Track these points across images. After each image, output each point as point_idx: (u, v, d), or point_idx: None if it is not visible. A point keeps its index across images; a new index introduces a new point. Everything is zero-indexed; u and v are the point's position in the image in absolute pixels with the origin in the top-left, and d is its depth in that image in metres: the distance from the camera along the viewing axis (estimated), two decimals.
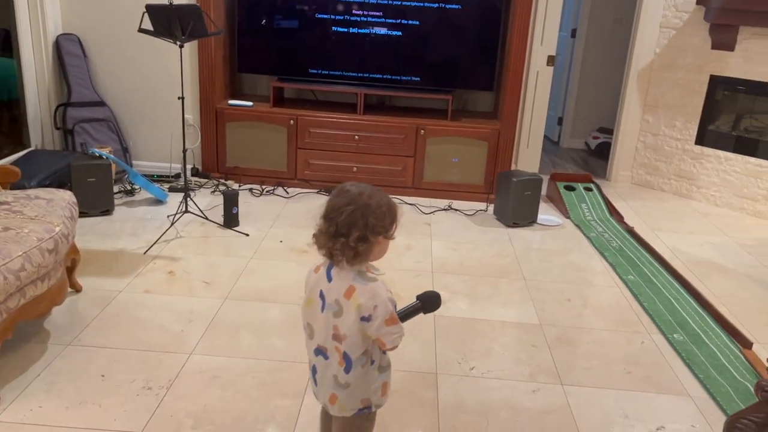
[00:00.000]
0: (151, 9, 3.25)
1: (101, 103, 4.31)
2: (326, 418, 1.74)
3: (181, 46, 3.34)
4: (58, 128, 4.26)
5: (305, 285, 1.61)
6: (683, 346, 2.68)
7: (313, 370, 1.62)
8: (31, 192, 2.57)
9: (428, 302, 1.64)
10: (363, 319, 1.47)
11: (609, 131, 5.74)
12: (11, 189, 2.69)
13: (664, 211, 4.52)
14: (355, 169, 4.38)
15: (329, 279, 1.54)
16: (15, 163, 3.65)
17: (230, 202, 3.61)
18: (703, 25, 4.56)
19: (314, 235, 1.52)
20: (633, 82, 4.92)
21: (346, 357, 1.52)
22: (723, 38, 4.47)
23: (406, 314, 1.60)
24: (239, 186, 4.35)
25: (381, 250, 1.52)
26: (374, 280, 1.51)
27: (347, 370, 1.53)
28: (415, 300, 1.63)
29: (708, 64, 4.59)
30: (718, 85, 4.59)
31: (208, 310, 2.72)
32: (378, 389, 1.60)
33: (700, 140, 4.72)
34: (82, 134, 4.21)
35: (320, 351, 1.57)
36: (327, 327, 1.54)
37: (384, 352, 1.59)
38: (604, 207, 4.33)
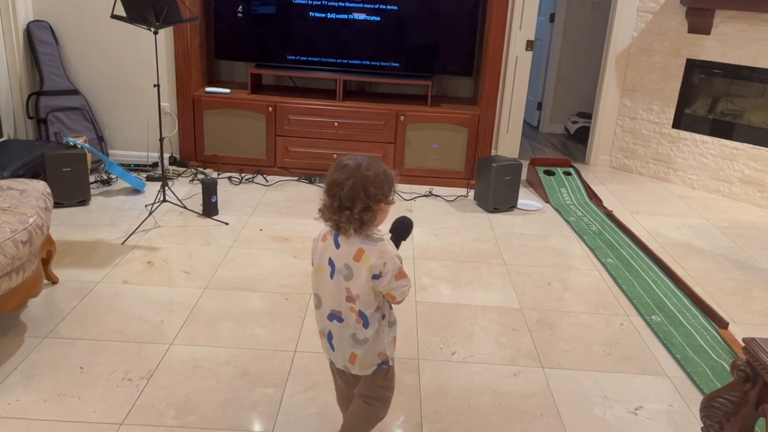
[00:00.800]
0: None
1: (75, 92, 4.23)
2: (345, 389, 1.82)
3: (155, 33, 3.28)
4: (30, 117, 4.17)
5: (312, 253, 1.70)
6: (661, 327, 2.72)
7: (329, 336, 1.69)
8: (4, 183, 2.52)
9: (400, 231, 1.68)
10: (374, 277, 1.57)
11: (588, 116, 5.77)
12: None
13: (642, 195, 4.56)
14: (335, 156, 4.35)
15: (337, 246, 1.62)
16: None
17: (209, 190, 3.58)
18: (679, 9, 4.58)
19: (320, 210, 1.61)
20: (611, 66, 4.94)
21: (362, 315, 1.62)
22: (699, 22, 4.50)
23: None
24: (218, 175, 4.30)
25: (384, 215, 1.61)
26: (380, 239, 1.60)
27: (366, 325, 1.63)
28: (390, 237, 1.67)
29: (684, 48, 4.63)
30: (694, 68, 4.63)
31: (188, 300, 2.70)
32: (391, 343, 1.71)
33: (677, 124, 4.77)
34: (55, 123, 4.13)
35: (334, 315, 1.66)
36: (339, 291, 1.62)
37: (391, 307, 1.70)
38: (583, 191, 4.36)
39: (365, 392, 1.74)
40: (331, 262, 1.63)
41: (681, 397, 2.27)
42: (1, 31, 4.03)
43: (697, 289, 3.08)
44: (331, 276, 1.63)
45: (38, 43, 4.10)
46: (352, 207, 1.53)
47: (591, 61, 5.91)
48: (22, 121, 4.20)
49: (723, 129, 4.58)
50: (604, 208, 4.15)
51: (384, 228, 1.64)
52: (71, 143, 3.71)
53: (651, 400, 2.24)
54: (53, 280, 2.73)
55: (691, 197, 4.54)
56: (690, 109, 4.73)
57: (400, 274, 1.59)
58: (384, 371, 1.72)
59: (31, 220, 2.28)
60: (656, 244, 3.64)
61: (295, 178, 4.36)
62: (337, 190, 1.54)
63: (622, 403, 2.21)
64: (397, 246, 1.65)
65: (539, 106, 6.46)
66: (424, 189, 4.32)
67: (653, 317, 2.80)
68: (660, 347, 2.58)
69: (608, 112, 5.07)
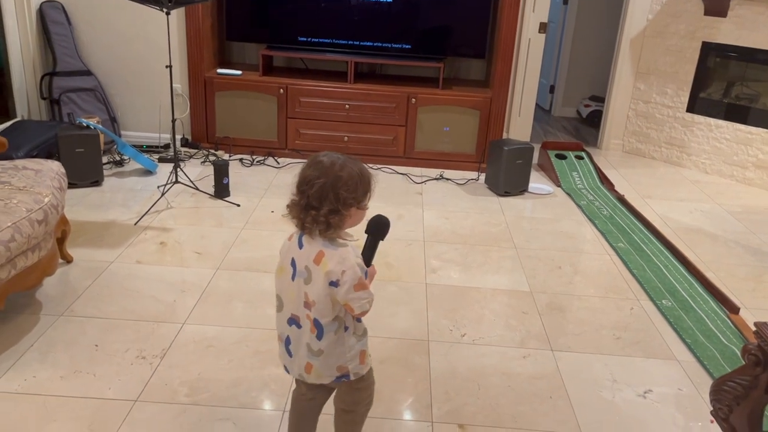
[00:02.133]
0: None
1: (88, 72, 4.24)
2: (303, 402, 1.70)
3: (167, 13, 3.28)
4: (44, 98, 4.19)
5: (279, 253, 1.60)
6: (671, 311, 2.72)
7: (287, 342, 1.60)
8: (19, 162, 2.54)
9: (376, 231, 1.57)
10: (331, 283, 1.46)
11: (601, 99, 5.72)
12: (1, 159, 2.65)
13: (654, 179, 4.54)
14: (346, 138, 4.35)
15: (300, 246, 1.52)
16: (2, 133, 3.60)
17: (221, 172, 3.59)
18: None
19: (288, 206, 1.51)
20: (625, 49, 4.89)
21: (316, 323, 1.51)
22: (715, 4, 4.44)
23: (367, 255, 1.55)
24: (229, 156, 4.32)
25: (354, 220, 1.51)
26: (344, 245, 1.50)
27: (319, 336, 1.52)
28: (366, 237, 1.57)
29: (700, 31, 4.57)
30: (710, 51, 4.57)
31: (200, 281, 2.73)
32: (356, 356, 1.58)
33: (691, 108, 4.72)
34: (68, 104, 4.15)
35: (293, 320, 1.56)
36: (298, 295, 1.53)
37: (358, 320, 1.58)
38: (595, 175, 4.34)
39: (341, 405, 1.67)
40: (293, 263, 1.53)
41: (690, 381, 2.27)
42: (14, 11, 4.04)
43: (709, 274, 3.07)
44: (293, 278, 1.53)
45: (51, 23, 4.11)
46: (319, 207, 1.44)
47: (604, 44, 5.84)
48: (35, 101, 4.22)
49: (738, 113, 4.53)
50: (616, 192, 4.13)
51: (361, 228, 1.56)
52: (84, 124, 3.73)
53: (660, 383, 2.25)
54: (68, 260, 2.76)
55: (704, 182, 4.51)
56: (705, 93, 4.67)
57: (360, 285, 1.47)
58: (345, 384, 1.61)
59: (46, 199, 2.31)
60: (668, 229, 3.62)
61: (306, 161, 4.35)
62: (307, 187, 1.45)
63: (631, 387, 2.22)
64: (374, 247, 1.55)
65: (551, 89, 6.41)
66: (434, 172, 4.32)
67: (664, 302, 2.80)
68: (670, 331, 2.58)
69: (621, 96, 5.02)
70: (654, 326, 2.61)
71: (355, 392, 1.65)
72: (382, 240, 1.58)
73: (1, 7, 3.97)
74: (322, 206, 1.44)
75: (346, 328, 1.55)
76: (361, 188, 1.47)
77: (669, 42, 4.73)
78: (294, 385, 1.73)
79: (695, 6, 4.55)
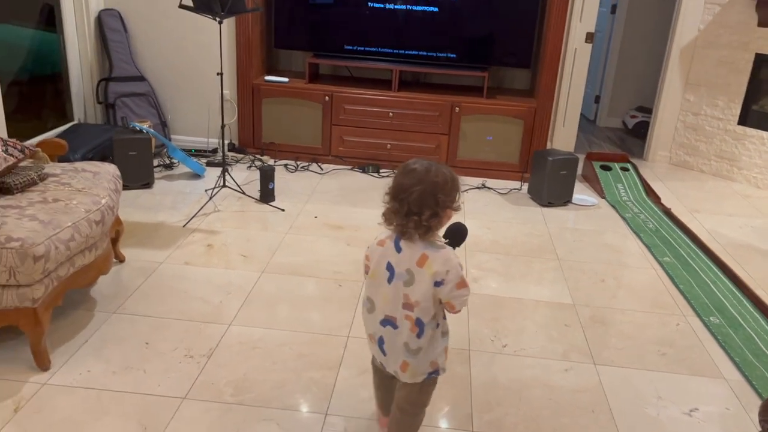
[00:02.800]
0: None
1: (141, 78, 4.39)
2: (387, 384, 1.84)
3: (220, 23, 3.38)
4: (100, 102, 4.35)
5: (367, 259, 1.68)
6: (719, 329, 2.66)
7: (380, 342, 1.68)
8: (78, 165, 2.65)
9: (455, 238, 1.68)
10: (437, 284, 1.56)
11: (647, 110, 5.63)
12: (59, 162, 2.77)
13: (703, 193, 4.44)
14: (389, 146, 4.39)
15: (398, 250, 1.60)
16: (60, 136, 3.75)
17: (267, 177, 3.67)
18: (749, 1, 4.41)
19: (384, 214, 1.60)
20: (675, 59, 4.80)
21: (419, 323, 1.61)
22: None
23: None
24: (275, 161, 4.40)
25: (447, 220, 1.60)
26: (443, 247, 1.60)
27: (419, 335, 1.62)
28: (443, 239, 1.68)
29: (754, 42, 4.46)
30: (763, 63, 4.46)
31: (245, 283, 2.79)
32: (443, 353, 1.70)
33: (743, 120, 4.60)
34: (122, 108, 4.30)
35: (388, 321, 1.65)
36: (396, 297, 1.61)
37: (444, 317, 1.69)
38: (640, 187, 4.27)
39: (409, 402, 1.73)
40: (389, 267, 1.61)
41: (738, 401, 2.22)
42: (74, 19, 4.22)
43: (759, 292, 2.99)
44: (389, 281, 1.61)
45: (108, 30, 4.27)
46: (420, 213, 1.53)
47: (652, 54, 5.75)
48: (92, 105, 4.39)
49: None
50: (662, 205, 4.06)
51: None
52: (137, 128, 3.85)
53: (707, 402, 2.21)
54: (120, 259, 2.86)
55: (755, 197, 4.39)
56: (757, 106, 4.56)
57: (462, 283, 1.58)
58: (433, 380, 1.72)
59: (103, 201, 2.40)
60: (716, 245, 3.54)
61: (349, 167, 4.42)
62: (405, 195, 1.53)
63: (677, 404, 2.18)
64: (454, 248, 1.65)
65: (597, 99, 6.34)
66: (477, 181, 4.32)
67: (711, 318, 2.74)
68: (718, 349, 2.53)
69: (670, 107, 4.94)
70: (701, 343, 2.56)
71: (424, 394, 1.74)
72: (458, 247, 1.68)
73: (62, 15, 4.14)
74: (423, 211, 1.53)
75: (437, 326, 1.65)
76: (454, 190, 1.57)
77: (721, 53, 4.63)
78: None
79: (748, 17, 4.45)
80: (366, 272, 1.69)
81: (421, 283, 1.57)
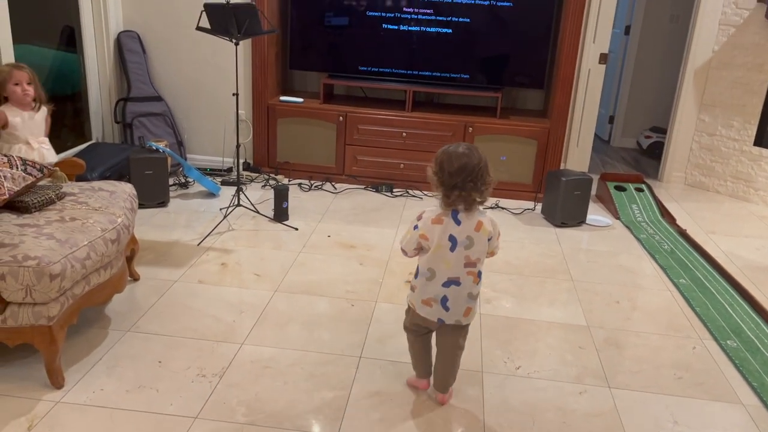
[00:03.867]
0: (209, 7, 3.34)
1: (158, 98, 4.46)
2: (427, 344, 2.23)
3: (236, 44, 3.43)
4: (117, 122, 4.42)
5: (425, 237, 2.03)
6: (737, 353, 2.62)
7: (443, 300, 2.06)
8: (95, 184, 2.69)
9: None
10: (489, 239, 2.04)
11: (662, 131, 5.61)
12: (77, 180, 2.81)
13: (719, 214, 4.40)
14: (402, 165, 4.40)
15: (458, 223, 2.00)
16: (78, 155, 3.81)
17: (280, 196, 3.69)
18: (764, 23, 4.41)
19: (446, 195, 1.97)
20: (689, 80, 4.80)
21: (479, 274, 2.08)
22: None
23: None
24: (289, 181, 4.43)
25: None
26: (485, 212, 2.05)
27: (479, 283, 2.09)
28: None
29: None
30: None
31: (258, 302, 2.80)
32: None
33: (759, 141, 4.55)
34: (140, 128, 4.36)
35: (451, 282, 2.04)
36: (458, 260, 2.02)
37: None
38: (655, 208, 4.25)
39: (462, 338, 2.15)
40: (452, 238, 2.00)
41: (756, 427, 2.18)
42: (93, 40, 4.30)
43: None
44: (452, 250, 2.00)
45: (127, 52, 4.35)
46: (481, 188, 1.96)
47: (666, 75, 5.75)
48: (109, 125, 4.46)
49: None
50: (678, 226, 4.02)
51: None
52: (154, 147, 3.90)
53: (724, 427, 2.17)
54: (135, 278, 2.88)
55: None
56: None
57: (499, 235, 2.09)
58: (465, 325, 2.14)
59: (119, 220, 2.43)
60: (733, 267, 3.50)
61: (362, 187, 4.43)
62: (470, 172, 1.93)
63: (693, 429, 2.15)
64: None
65: (611, 120, 6.33)
66: (490, 201, 4.30)
67: (729, 342, 2.70)
68: (735, 374, 2.49)
69: (685, 128, 4.92)
70: (718, 367, 2.52)
71: (466, 332, 2.17)
72: None
73: (83, 36, 4.23)
74: (481, 186, 1.96)
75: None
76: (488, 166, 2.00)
77: (736, 74, 4.61)
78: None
79: (763, 38, 4.44)
80: (420, 248, 2.06)
81: (480, 243, 2.02)
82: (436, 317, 2.08)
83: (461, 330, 2.14)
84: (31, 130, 2.93)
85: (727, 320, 2.88)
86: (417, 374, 2.26)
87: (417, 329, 2.17)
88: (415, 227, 2.05)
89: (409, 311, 2.17)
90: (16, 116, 2.88)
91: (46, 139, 3.03)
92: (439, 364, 2.18)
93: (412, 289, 2.14)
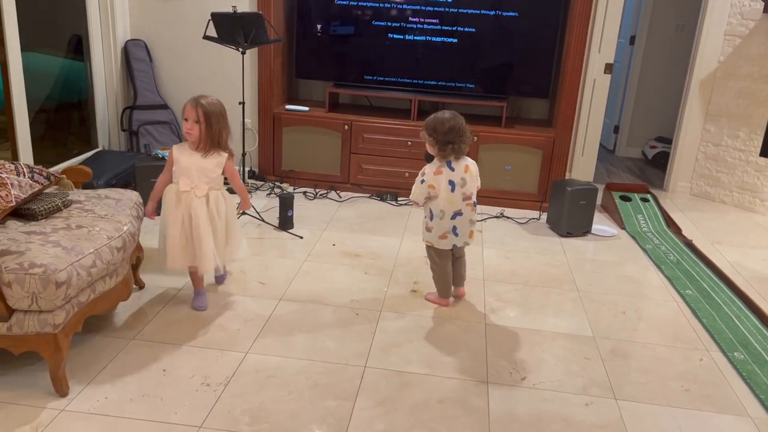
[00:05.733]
0: (216, 17, 3.36)
1: (165, 106, 4.48)
2: (450, 260, 2.91)
3: (243, 53, 3.44)
4: (124, 130, 4.44)
5: (433, 187, 2.70)
6: (744, 365, 2.60)
7: (454, 229, 2.76)
8: (102, 191, 2.70)
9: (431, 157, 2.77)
10: (475, 177, 2.78)
11: (667, 140, 5.61)
12: (83, 188, 2.82)
13: (725, 224, 4.38)
14: (407, 174, 4.41)
15: (452, 169, 2.71)
16: (84, 162, 3.83)
17: (286, 205, 3.69)
18: None
19: (442, 150, 2.67)
20: (695, 90, 4.79)
21: (475, 204, 2.81)
22: None
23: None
24: (294, 189, 4.44)
25: None
26: (466, 158, 2.77)
27: (475, 211, 2.82)
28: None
29: None
30: None
31: (263, 310, 2.79)
32: None
33: (765, 152, 4.54)
34: (146, 136, 4.37)
35: (457, 214, 2.75)
36: (458, 197, 2.72)
37: None
38: (661, 218, 4.23)
39: (463, 253, 2.95)
40: (450, 183, 2.69)
41: None
42: (101, 48, 4.33)
43: None
44: (453, 190, 2.70)
45: (134, 60, 4.37)
46: (467, 138, 2.70)
47: (672, 85, 5.74)
48: (116, 133, 4.48)
49: None
50: (684, 236, 4.01)
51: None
52: (159, 155, 3.91)
53: None
54: (140, 285, 2.89)
55: None
56: None
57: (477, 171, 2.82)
58: None
59: (125, 228, 2.44)
60: (740, 278, 3.48)
61: (367, 195, 4.43)
62: (459, 131, 2.66)
63: None
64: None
65: (616, 129, 6.32)
66: (495, 210, 4.31)
67: (736, 354, 2.68)
68: (742, 386, 2.47)
69: (690, 138, 4.91)
70: (725, 379, 2.51)
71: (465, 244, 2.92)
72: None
73: (90, 44, 4.26)
74: (466, 140, 2.70)
75: None
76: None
77: (741, 84, 4.61)
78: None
79: None
80: (429, 197, 2.72)
81: (470, 181, 2.74)
82: (451, 245, 2.80)
83: (464, 247, 2.91)
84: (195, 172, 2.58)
85: (734, 332, 2.86)
86: (444, 295, 2.90)
87: (445, 255, 2.83)
88: (422, 181, 2.70)
89: (430, 248, 2.84)
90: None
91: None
92: (455, 272, 2.92)
93: (429, 229, 2.79)
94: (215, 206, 2.60)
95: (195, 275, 2.74)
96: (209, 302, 2.81)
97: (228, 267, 3.12)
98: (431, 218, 2.76)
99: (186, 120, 2.52)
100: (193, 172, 2.56)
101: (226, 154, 2.61)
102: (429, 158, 2.76)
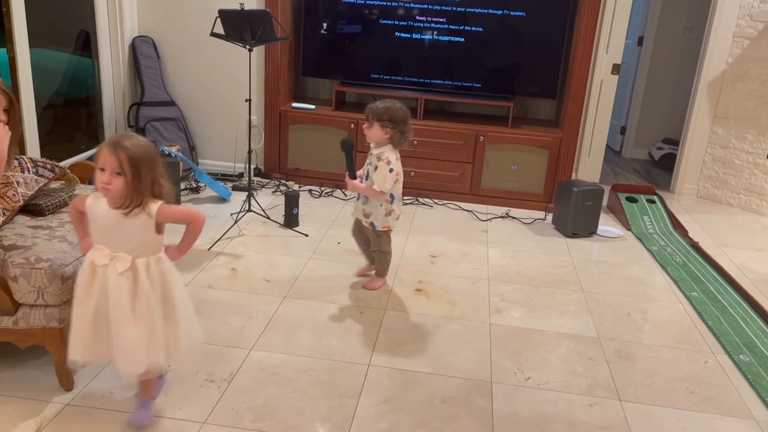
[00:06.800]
0: (223, 14, 3.36)
1: (171, 103, 4.48)
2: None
3: (250, 50, 3.45)
4: (131, 126, 4.45)
5: (398, 174, 2.80)
6: (749, 367, 2.59)
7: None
8: None
9: (344, 146, 2.86)
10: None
11: (674, 142, 5.59)
12: (89, 184, 2.83)
13: (731, 227, 4.36)
14: (412, 173, 4.40)
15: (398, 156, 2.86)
16: (91, 158, 3.84)
17: (291, 202, 3.70)
18: None
19: (404, 138, 2.78)
20: (702, 92, 4.77)
21: None
22: None
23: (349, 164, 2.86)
24: (299, 187, 4.44)
25: None
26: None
27: None
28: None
29: None
30: None
31: (268, 308, 2.80)
32: None
33: None
34: (152, 132, 4.38)
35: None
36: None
37: None
38: (667, 220, 4.22)
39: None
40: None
41: None
42: (109, 45, 4.34)
43: None
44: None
45: (141, 57, 4.38)
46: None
47: (679, 86, 5.72)
48: (123, 129, 4.49)
49: None
50: (690, 238, 3.99)
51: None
52: (166, 152, 3.92)
53: None
54: None
55: None
56: None
57: None
58: None
59: None
60: (746, 280, 3.47)
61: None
62: (408, 121, 2.76)
63: None
64: (346, 155, 2.87)
65: (623, 131, 6.30)
66: (500, 210, 4.30)
67: (741, 356, 2.67)
68: (747, 388, 2.46)
69: (697, 140, 4.89)
70: (730, 382, 2.49)
71: None
72: (345, 151, 2.86)
73: (98, 40, 4.27)
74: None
75: None
76: None
77: (750, 87, 4.59)
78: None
79: None
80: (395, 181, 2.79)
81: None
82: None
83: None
84: None
85: (740, 334, 2.85)
86: (386, 273, 3.05)
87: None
88: (391, 170, 2.74)
89: (386, 233, 2.92)
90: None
91: None
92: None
93: (390, 213, 2.85)
94: (146, 280, 1.86)
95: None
96: (212, 301, 2.82)
97: (234, 265, 3.13)
98: (393, 202, 2.83)
99: (102, 170, 1.75)
100: (112, 237, 1.83)
101: (157, 205, 1.82)
102: (347, 147, 2.81)
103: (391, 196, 2.81)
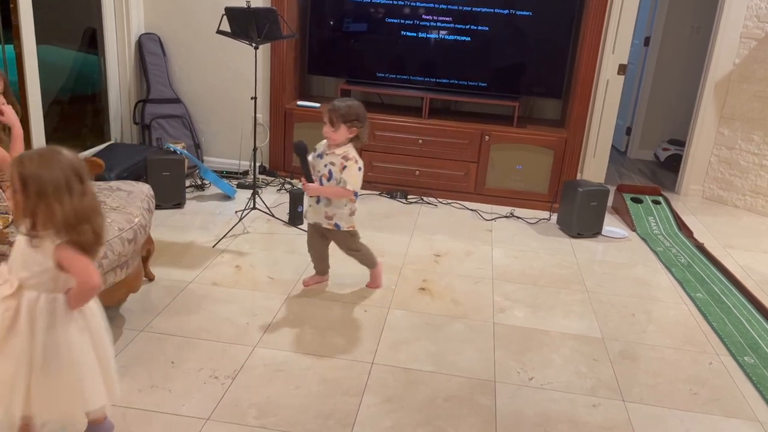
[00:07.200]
0: (230, 11, 3.37)
1: (177, 101, 4.49)
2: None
3: (256, 48, 3.45)
4: (136, 123, 4.46)
5: (363, 172, 2.77)
6: (754, 369, 2.58)
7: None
8: (114, 184, 2.71)
9: (297, 150, 2.78)
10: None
11: (680, 143, 5.57)
12: (95, 180, 2.83)
13: (737, 228, 4.35)
14: (417, 172, 4.40)
15: None
16: (97, 155, 3.85)
17: (296, 200, 3.70)
18: None
19: (363, 136, 2.77)
20: (709, 93, 4.76)
21: None
22: None
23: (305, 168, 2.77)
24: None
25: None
26: None
27: None
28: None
29: None
30: None
31: (272, 305, 2.80)
32: None
33: None
34: (158, 129, 4.39)
35: None
36: None
37: None
38: (672, 221, 4.21)
39: None
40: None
41: None
42: (115, 41, 4.35)
43: None
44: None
45: (148, 54, 4.39)
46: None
47: (686, 87, 5.70)
48: (128, 126, 4.50)
49: None
50: (695, 240, 3.98)
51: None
52: (171, 149, 3.93)
53: None
54: (150, 278, 2.90)
55: None
56: None
57: None
58: None
59: (136, 220, 2.45)
60: (751, 282, 3.45)
61: (377, 193, 4.43)
62: (365, 117, 2.71)
63: None
64: (301, 158, 2.79)
65: (628, 131, 6.29)
66: (505, 210, 4.29)
67: (746, 358, 2.66)
68: (752, 390, 2.45)
69: (703, 141, 4.87)
70: (734, 383, 2.49)
71: None
72: (298, 154, 2.79)
73: (104, 37, 4.28)
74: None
75: None
76: None
77: (756, 88, 4.57)
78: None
79: None
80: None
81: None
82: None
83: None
84: None
85: (745, 336, 2.84)
86: (375, 263, 3.01)
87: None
88: (360, 168, 2.71)
89: (351, 232, 2.85)
90: None
91: None
92: (324, 251, 3.00)
93: (354, 212, 2.80)
94: (26, 316, 1.58)
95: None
96: (216, 297, 2.82)
97: (239, 262, 3.14)
98: (356, 200, 2.79)
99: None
100: (16, 258, 1.62)
101: (54, 244, 1.55)
102: (301, 150, 2.74)
103: (355, 194, 2.75)
